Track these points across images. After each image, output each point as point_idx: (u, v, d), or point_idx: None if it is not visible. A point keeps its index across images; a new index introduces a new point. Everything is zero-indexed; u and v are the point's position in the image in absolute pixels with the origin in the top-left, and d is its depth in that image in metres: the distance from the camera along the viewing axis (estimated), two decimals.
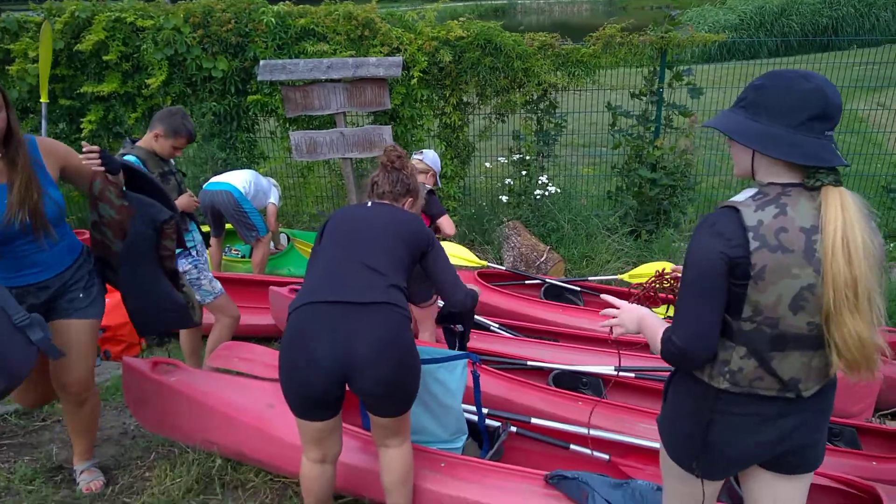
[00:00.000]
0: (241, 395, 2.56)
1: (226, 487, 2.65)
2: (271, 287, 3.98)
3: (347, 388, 2.05)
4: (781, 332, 1.46)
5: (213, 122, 5.41)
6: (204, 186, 4.65)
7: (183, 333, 3.44)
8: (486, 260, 4.71)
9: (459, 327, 2.72)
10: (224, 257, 5.04)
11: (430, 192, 3.39)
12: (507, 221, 5.34)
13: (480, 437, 2.57)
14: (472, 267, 4.50)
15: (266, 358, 2.78)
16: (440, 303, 3.43)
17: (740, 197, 1.50)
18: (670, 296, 2.02)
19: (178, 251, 3.16)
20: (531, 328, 3.96)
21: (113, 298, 4.11)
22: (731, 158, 1.64)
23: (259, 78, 4.90)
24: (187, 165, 5.86)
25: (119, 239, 2.42)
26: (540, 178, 5.30)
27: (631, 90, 5.36)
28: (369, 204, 2.32)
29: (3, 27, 5.09)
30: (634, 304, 1.79)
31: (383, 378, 1.95)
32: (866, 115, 8.05)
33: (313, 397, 1.99)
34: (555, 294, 4.51)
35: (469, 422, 2.53)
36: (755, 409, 1.52)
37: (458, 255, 4.35)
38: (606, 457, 2.54)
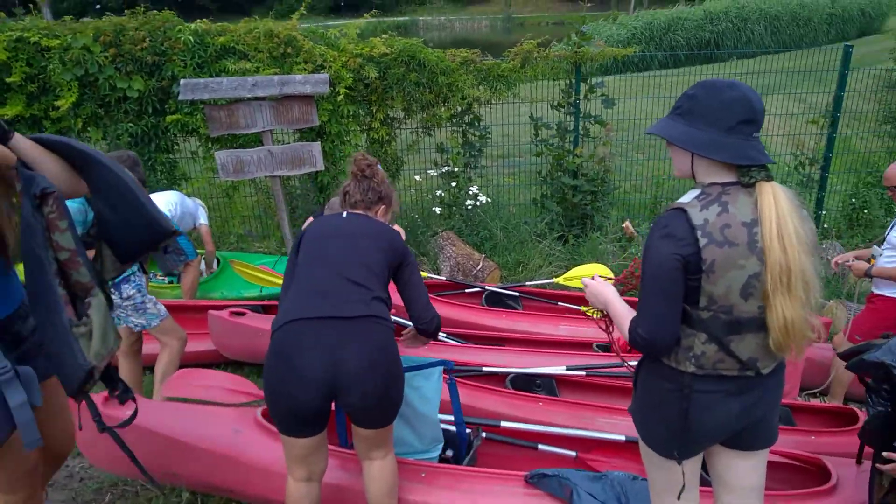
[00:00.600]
0: (205, 424, 2.47)
1: None
2: (210, 312, 3.87)
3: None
4: (735, 317, 1.61)
5: (130, 143, 5.16)
6: None
7: (122, 364, 3.26)
8: (424, 271, 4.76)
9: None
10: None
11: None
12: (440, 232, 5.42)
13: (454, 445, 2.61)
14: None
15: (224, 382, 2.70)
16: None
17: (686, 198, 1.66)
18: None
19: (120, 277, 3.01)
20: (476, 335, 4.04)
21: None
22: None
23: (180, 97, 4.73)
24: None
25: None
26: (471, 188, 5.43)
27: (550, 102, 5.61)
28: (344, 214, 2.31)
29: None
30: (605, 284, 1.92)
31: (372, 391, 1.96)
32: None
33: (301, 414, 1.98)
34: (494, 300, 4.63)
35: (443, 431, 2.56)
36: (720, 387, 1.67)
37: None
38: (573, 453, 2.65)
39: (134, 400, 1.96)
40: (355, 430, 2.10)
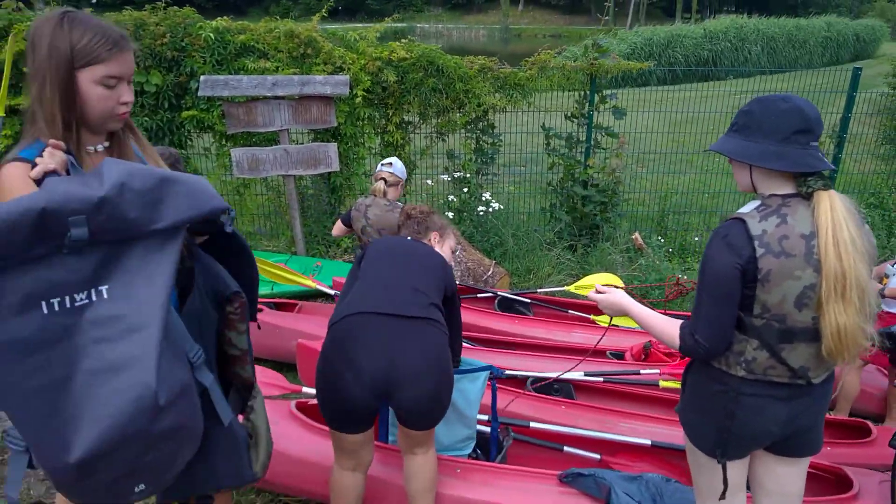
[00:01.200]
0: None
1: None
2: None
3: None
4: (789, 326, 1.65)
5: (145, 137, 5.16)
6: None
7: None
8: None
9: None
10: None
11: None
12: None
13: (483, 444, 2.64)
14: None
15: (258, 377, 2.70)
16: None
17: (746, 209, 1.71)
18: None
19: None
20: (490, 339, 4.08)
21: None
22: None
23: (200, 93, 4.76)
24: None
25: None
26: (483, 195, 5.48)
27: (564, 112, 5.68)
28: (409, 238, 2.44)
29: None
30: (617, 293, 1.99)
31: (425, 394, 1.99)
32: None
33: (352, 411, 2.01)
34: (506, 306, 4.67)
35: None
36: (769, 392, 1.71)
37: None
38: (598, 456, 2.69)
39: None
40: (400, 429, 2.13)
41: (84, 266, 1.23)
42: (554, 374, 3.17)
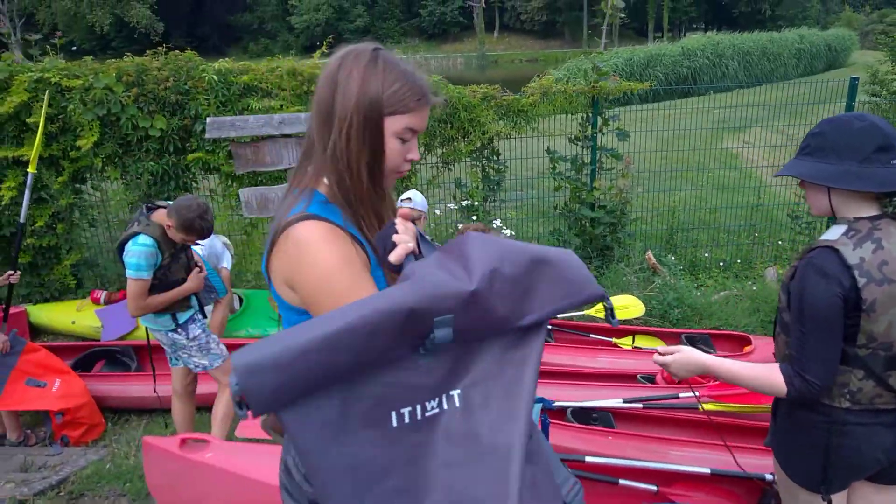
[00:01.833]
0: None
1: None
2: None
3: None
4: None
5: (150, 182, 5.10)
6: None
7: (176, 405, 3.18)
8: None
9: None
10: None
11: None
12: None
13: None
14: None
15: None
16: None
17: (832, 235, 1.63)
18: None
19: (186, 317, 2.96)
20: None
21: (69, 380, 3.74)
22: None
23: (207, 136, 4.70)
24: (121, 230, 5.46)
25: None
26: (494, 221, 5.45)
27: (568, 136, 5.70)
28: None
29: None
30: (686, 349, 1.87)
31: None
32: (738, 152, 9.03)
33: None
34: None
35: None
36: (875, 420, 1.65)
37: None
38: (654, 488, 2.62)
39: None
40: None
41: (437, 368, 1.00)
42: (598, 403, 3.11)
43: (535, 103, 5.49)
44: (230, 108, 5.02)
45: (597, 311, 4.68)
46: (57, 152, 4.87)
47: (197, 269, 3.01)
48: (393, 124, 1.23)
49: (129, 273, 2.71)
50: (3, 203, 4.70)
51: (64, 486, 3.18)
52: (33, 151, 4.31)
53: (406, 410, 0.96)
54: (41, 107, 4.57)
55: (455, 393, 1.00)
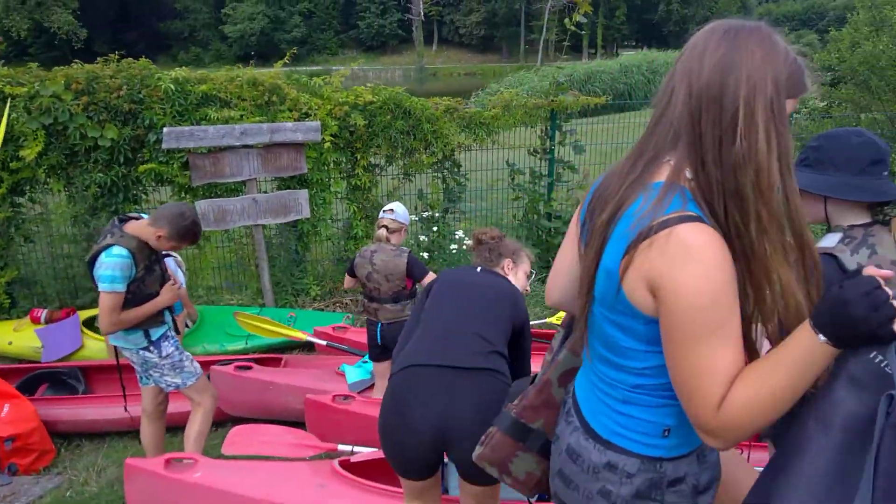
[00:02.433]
0: (283, 481, 2.32)
1: None
2: (213, 367, 3.71)
3: None
4: None
5: (98, 194, 4.87)
6: None
7: (146, 426, 3.03)
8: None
9: None
10: None
11: (411, 253, 3.38)
12: None
13: None
14: None
15: (286, 437, 2.56)
16: None
17: (828, 243, 1.72)
18: None
19: (159, 334, 2.84)
20: None
21: (17, 404, 3.52)
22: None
23: (164, 145, 4.56)
24: (67, 244, 5.19)
25: None
26: (456, 232, 5.49)
27: (528, 149, 5.81)
28: (478, 269, 2.35)
29: None
30: None
31: None
32: None
33: (410, 461, 1.97)
34: None
35: None
36: None
37: None
38: None
39: None
40: (462, 484, 2.05)
41: None
42: None
43: (496, 116, 5.57)
44: (187, 118, 4.87)
45: (558, 318, 4.78)
46: None
47: (171, 282, 2.90)
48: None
49: (103, 286, 2.57)
50: None
51: None
52: None
53: None
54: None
55: None
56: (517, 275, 2.48)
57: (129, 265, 2.60)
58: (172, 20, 54.30)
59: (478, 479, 2.00)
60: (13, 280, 5.06)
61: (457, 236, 5.50)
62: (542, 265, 5.85)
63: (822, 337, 1.00)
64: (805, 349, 1.01)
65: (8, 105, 4.33)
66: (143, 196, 5.21)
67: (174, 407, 3.33)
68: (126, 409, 3.32)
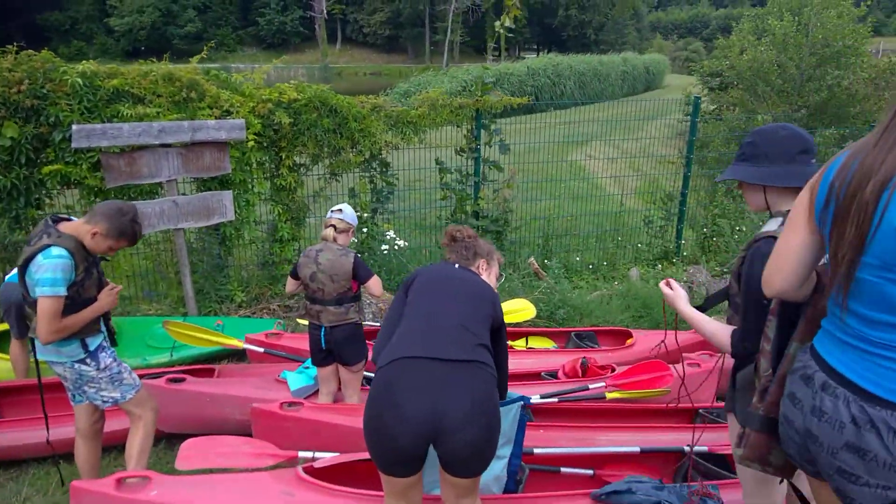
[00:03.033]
0: (251, 493, 2.22)
1: None
2: (143, 381, 3.48)
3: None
4: None
5: None
6: (6, 278, 3.83)
7: (81, 447, 2.81)
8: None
9: None
10: (33, 359, 4.14)
11: (357, 254, 3.33)
12: None
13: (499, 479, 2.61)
14: None
15: (242, 447, 2.46)
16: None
17: (772, 227, 1.89)
18: None
19: (97, 344, 2.65)
20: None
21: None
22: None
23: (74, 145, 4.24)
24: None
25: None
26: (387, 233, 5.46)
27: (454, 148, 5.87)
28: (456, 266, 2.36)
29: None
30: (683, 293, 2.14)
31: (472, 440, 1.93)
32: (584, 164, 9.82)
33: (399, 454, 1.94)
34: None
35: None
36: None
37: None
38: (591, 471, 2.80)
39: None
40: (444, 477, 2.06)
41: None
42: (536, 398, 3.26)
43: (423, 115, 5.59)
44: (97, 115, 4.55)
45: (518, 344, 4.84)
46: None
47: (110, 286, 2.71)
48: None
49: (43, 290, 2.36)
50: None
51: None
52: None
53: None
54: None
55: None
56: (490, 276, 2.52)
57: (69, 266, 2.41)
58: (52, 11, 50.33)
59: (463, 472, 2.02)
60: None
61: (387, 237, 5.47)
62: None
63: None
64: None
65: None
66: (48, 200, 4.82)
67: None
68: (48, 439, 3.02)
